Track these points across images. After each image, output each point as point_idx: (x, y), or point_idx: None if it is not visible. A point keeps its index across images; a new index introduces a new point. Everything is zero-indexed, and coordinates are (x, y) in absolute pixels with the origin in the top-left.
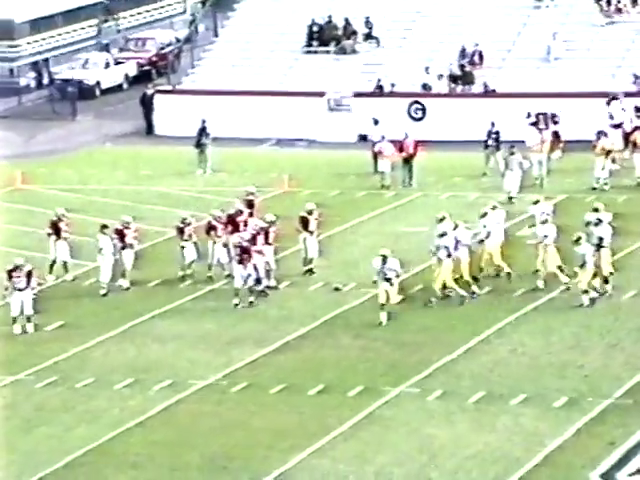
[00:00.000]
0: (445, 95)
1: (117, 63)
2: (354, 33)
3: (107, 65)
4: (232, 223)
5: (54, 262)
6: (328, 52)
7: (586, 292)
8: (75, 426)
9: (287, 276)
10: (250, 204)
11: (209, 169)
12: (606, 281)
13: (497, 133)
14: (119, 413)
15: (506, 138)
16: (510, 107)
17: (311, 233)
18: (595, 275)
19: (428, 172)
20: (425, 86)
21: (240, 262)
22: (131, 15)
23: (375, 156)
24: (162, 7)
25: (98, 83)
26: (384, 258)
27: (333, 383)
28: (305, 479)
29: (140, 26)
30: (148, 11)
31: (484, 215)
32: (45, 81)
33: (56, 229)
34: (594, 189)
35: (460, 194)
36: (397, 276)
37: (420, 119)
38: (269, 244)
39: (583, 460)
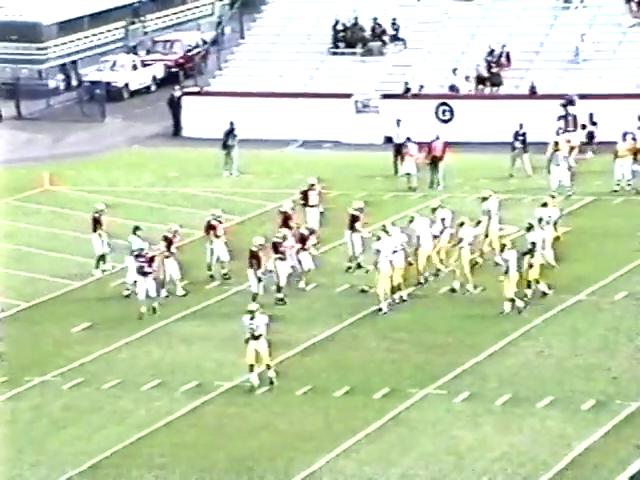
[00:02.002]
0: (472, 96)
1: (145, 65)
2: (383, 33)
3: (135, 67)
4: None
5: (101, 257)
6: (354, 54)
7: (512, 300)
8: (102, 427)
9: (313, 278)
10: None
11: (235, 171)
12: (529, 286)
13: (524, 135)
14: (145, 414)
15: (534, 139)
16: (538, 108)
17: (357, 231)
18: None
19: (455, 174)
20: (453, 87)
21: (250, 266)
22: (158, 17)
23: (396, 157)
24: (189, 9)
25: (126, 85)
26: (252, 314)
27: (359, 385)
28: None
29: (167, 28)
30: (175, 13)
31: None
32: (74, 83)
33: (97, 223)
34: (615, 191)
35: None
36: (267, 327)
37: (448, 121)
38: (304, 249)
39: (611, 463)
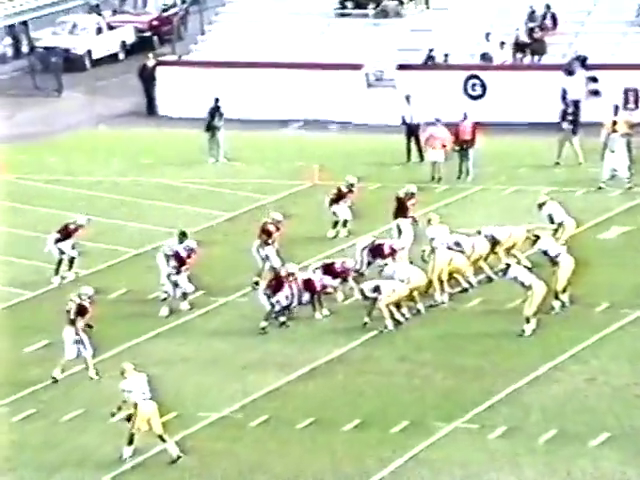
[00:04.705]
0: (509, 67)
1: (111, 28)
2: None
3: (99, 31)
4: None
5: (60, 262)
6: (366, 15)
7: (527, 320)
8: (59, 468)
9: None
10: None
11: (222, 157)
12: (556, 297)
13: (574, 114)
14: (113, 452)
15: (586, 119)
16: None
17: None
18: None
19: (488, 161)
20: (485, 56)
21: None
22: None
23: (409, 141)
24: None
25: (88, 52)
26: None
27: (372, 417)
28: None
29: None
30: None
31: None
32: (24, 49)
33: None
34: None
35: (527, 188)
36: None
37: (479, 97)
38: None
39: None
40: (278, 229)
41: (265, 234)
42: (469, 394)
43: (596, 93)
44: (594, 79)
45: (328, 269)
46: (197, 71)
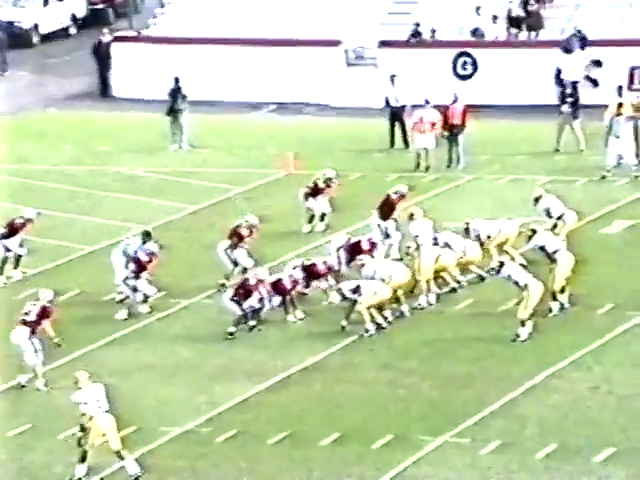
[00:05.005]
0: (502, 44)
1: (60, 0)
2: None
3: (46, 2)
4: None
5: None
6: None
7: (522, 323)
8: None
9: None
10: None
11: (186, 144)
12: (554, 297)
13: (574, 95)
14: (63, 472)
15: (588, 101)
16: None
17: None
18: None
19: (480, 148)
20: (476, 32)
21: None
22: None
23: (393, 126)
24: None
25: (35, 27)
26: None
27: (352, 430)
28: None
29: None
30: None
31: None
32: None
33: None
34: None
35: (523, 178)
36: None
37: (469, 76)
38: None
39: None
40: (251, 233)
41: (236, 237)
42: (459, 405)
43: (595, 83)
44: (598, 63)
45: (310, 270)
46: (157, 48)
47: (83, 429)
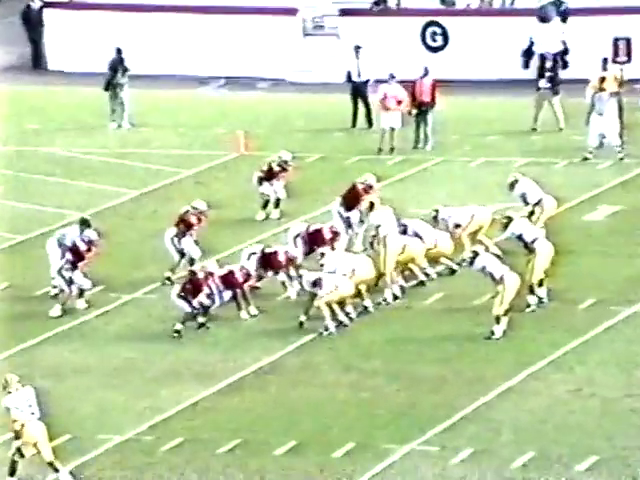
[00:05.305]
0: (475, 12)
1: None
2: None
3: None
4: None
5: None
6: None
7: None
8: None
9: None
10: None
11: (127, 122)
12: (531, 291)
13: (554, 69)
14: None
15: (568, 76)
16: (573, 31)
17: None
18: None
19: (450, 127)
20: (445, 0)
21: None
22: None
23: (356, 103)
24: None
25: None
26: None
27: (311, 438)
28: None
29: None
30: None
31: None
32: None
33: None
34: None
35: (498, 160)
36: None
37: (439, 49)
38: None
39: None
40: (200, 220)
41: (184, 225)
42: (427, 410)
43: (564, 64)
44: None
45: (268, 259)
46: (95, 15)
47: (18, 437)
